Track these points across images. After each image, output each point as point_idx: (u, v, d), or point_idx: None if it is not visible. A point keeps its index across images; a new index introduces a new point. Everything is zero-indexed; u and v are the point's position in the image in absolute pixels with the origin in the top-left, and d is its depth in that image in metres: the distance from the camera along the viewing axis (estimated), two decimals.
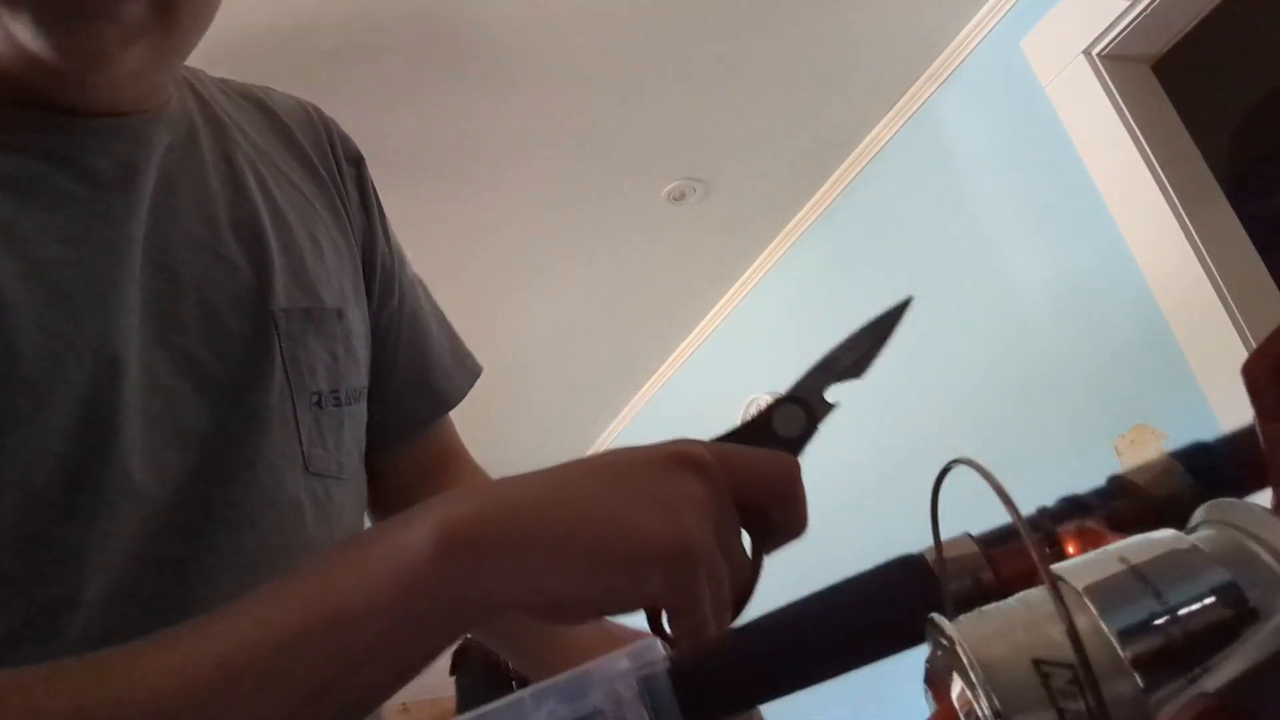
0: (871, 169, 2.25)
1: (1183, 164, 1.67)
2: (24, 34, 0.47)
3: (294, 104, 0.72)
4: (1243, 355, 1.49)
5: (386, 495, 0.70)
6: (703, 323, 2.84)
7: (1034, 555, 0.29)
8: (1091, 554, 0.32)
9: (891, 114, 2.15)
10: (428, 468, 0.74)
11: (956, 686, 0.29)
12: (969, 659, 0.28)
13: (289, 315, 0.58)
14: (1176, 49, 1.74)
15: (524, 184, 2.12)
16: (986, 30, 1.92)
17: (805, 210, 2.42)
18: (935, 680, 0.32)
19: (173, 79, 0.60)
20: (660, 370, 3.05)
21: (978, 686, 0.28)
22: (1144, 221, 1.64)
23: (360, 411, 0.64)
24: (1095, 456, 1.69)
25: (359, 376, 0.64)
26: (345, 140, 0.73)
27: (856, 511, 2.29)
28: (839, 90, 2.04)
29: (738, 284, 2.68)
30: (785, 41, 1.87)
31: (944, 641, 0.30)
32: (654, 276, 2.58)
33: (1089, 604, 0.29)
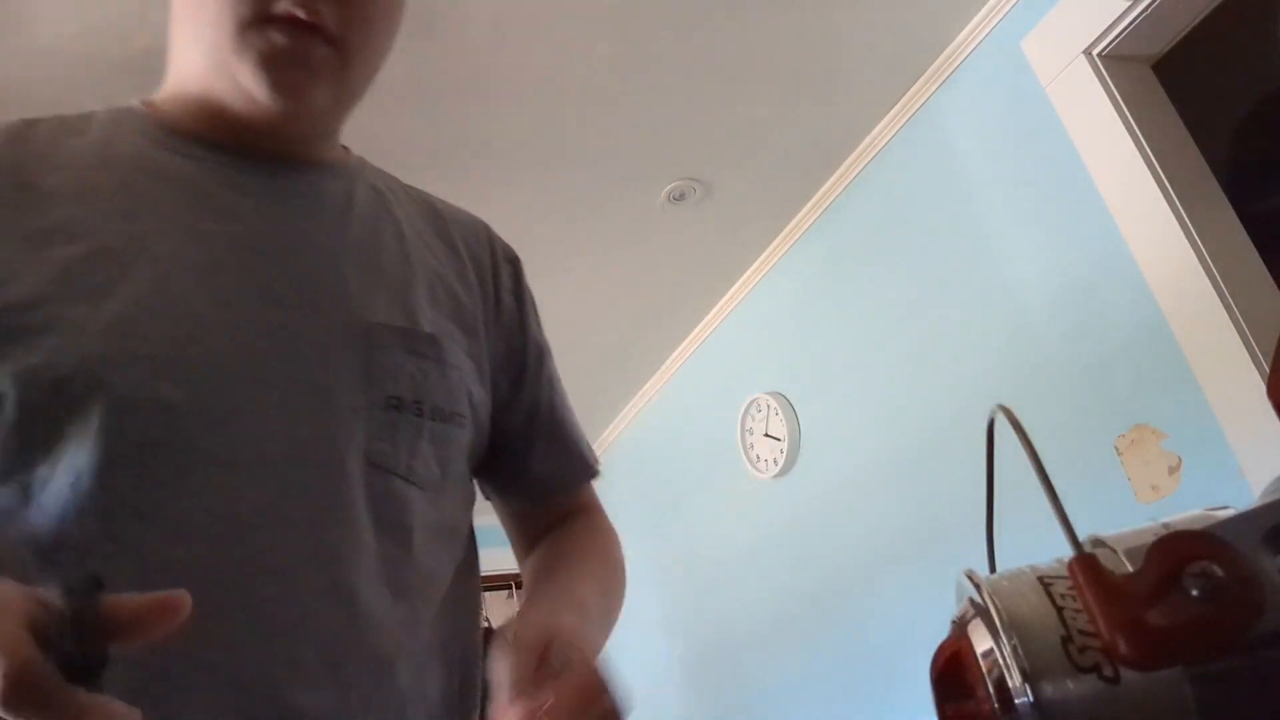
0: (871, 169, 2.25)
1: (1183, 164, 1.67)
2: (246, 77, 0.67)
3: (463, 213, 0.89)
4: (1243, 355, 1.49)
5: (541, 526, 0.86)
6: (703, 323, 2.84)
7: (1050, 502, 0.29)
8: (1141, 526, 0.33)
9: (891, 114, 2.15)
10: (571, 512, 0.88)
11: (982, 643, 0.30)
12: (994, 606, 0.29)
13: (383, 328, 0.69)
14: (1176, 49, 1.73)
15: (524, 184, 2.12)
16: (986, 30, 1.92)
17: (805, 210, 2.42)
18: (960, 630, 0.33)
19: (340, 137, 0.80)
20: (660, 370, 3.06)
21: (1000, 631, 0.28)
22: (1144, 221, 1.64)
23: (449, 432, 0.71)
24: (1095, 456, 1.69)
25: (450, 401, 0.72)
26: (504, 245, 0.90)
27: (857, 511, 2.30)
28: (839, 90, 2.05)
29: (738, 284, 2.68)
30: (786, 42, 1.87)
31: (975, 595, 0.31)
32: (654, 276, 2.58)
33: (1126, 564, 0.29)
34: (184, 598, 0.40)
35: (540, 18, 1.70)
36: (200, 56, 0.70)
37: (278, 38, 0.66)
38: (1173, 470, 1.57)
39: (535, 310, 0.90)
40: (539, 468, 0.84)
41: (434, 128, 1.90)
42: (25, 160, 0.65)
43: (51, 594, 0.39)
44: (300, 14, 0.66)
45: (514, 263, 0.89)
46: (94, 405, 0.57)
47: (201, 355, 0.61)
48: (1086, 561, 0.26)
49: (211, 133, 0.71)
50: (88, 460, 0.57)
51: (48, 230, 0.62)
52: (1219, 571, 0.25)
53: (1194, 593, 0.25)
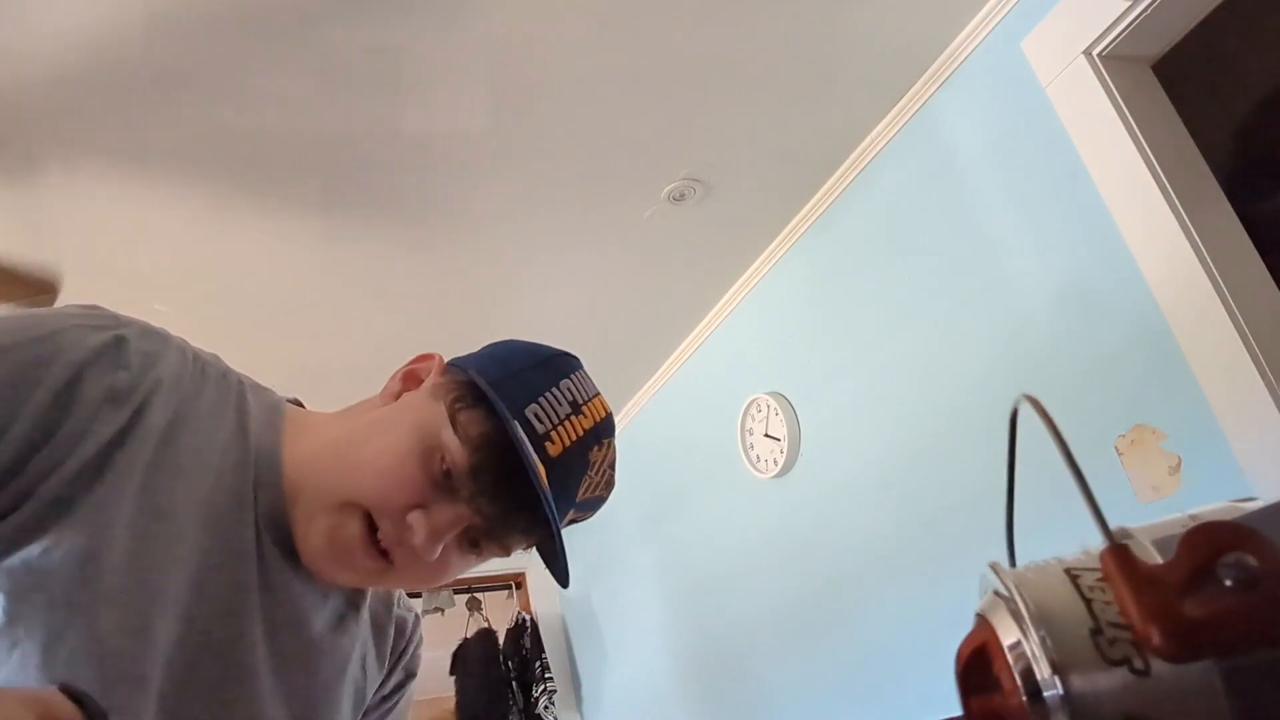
0: (872, 169, 2.25)
1: (1183, 164, 1.67)
2: (310, 538, 0.72)
3: (403, 620, 0.91)
4: (1243, 355, 1.49)
5: None
6: (703, 323, 2.84)
7: (1081, 493, 0.29)
8: (1169, 517, 0.33)
9: (891, 114, 2.15)
10: None
11: (1009, 635, 0.30)
12: (1021, 599, 0.29)
13: None
14: (1176, 49, 1.74)
15: (525, 185, 2.12)
16: (986, 30, 1.92)
17: (805, 210, 2.42)
18: (985, 621, 0.32)
19: None
20: (660, 370, 3.05)
21: (1028, 623, 0.28)
22: (1144, 221, 1.64)
23: None
24: (1095, 456, 1.69)
25: None
26: (414, 654, 0.93)
27: (857, 511, 2.29)
28: (839, 90, 2.05)
29: (738, 284, 2.68)
30: (786, 42, 1.87)
31: (1001, 587, 0.31)
32: (654, 276, 2.58)
33: (1155, 554, 0.29)
34: None
35: (540, 19, 1.69)
36: (328, 477, 0.72)
37: (355, 532, 0.71)
38: (1173, 470, 1.57)
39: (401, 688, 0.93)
40: None
41: (434, 129, 1.90)
42: (179, 418, 0.68)
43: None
44: (384, 539, 0.71)
45: (408, 673, 0.93)
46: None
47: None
48: (1119, 552, 0.26)
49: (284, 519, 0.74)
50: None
51: (152, 497, 0.65)
52: (1253, 562, 0.25)
53: (1228, 583, 0.25)
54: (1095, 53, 1.72)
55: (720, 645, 2.83)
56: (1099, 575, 0.29)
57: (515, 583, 3.91)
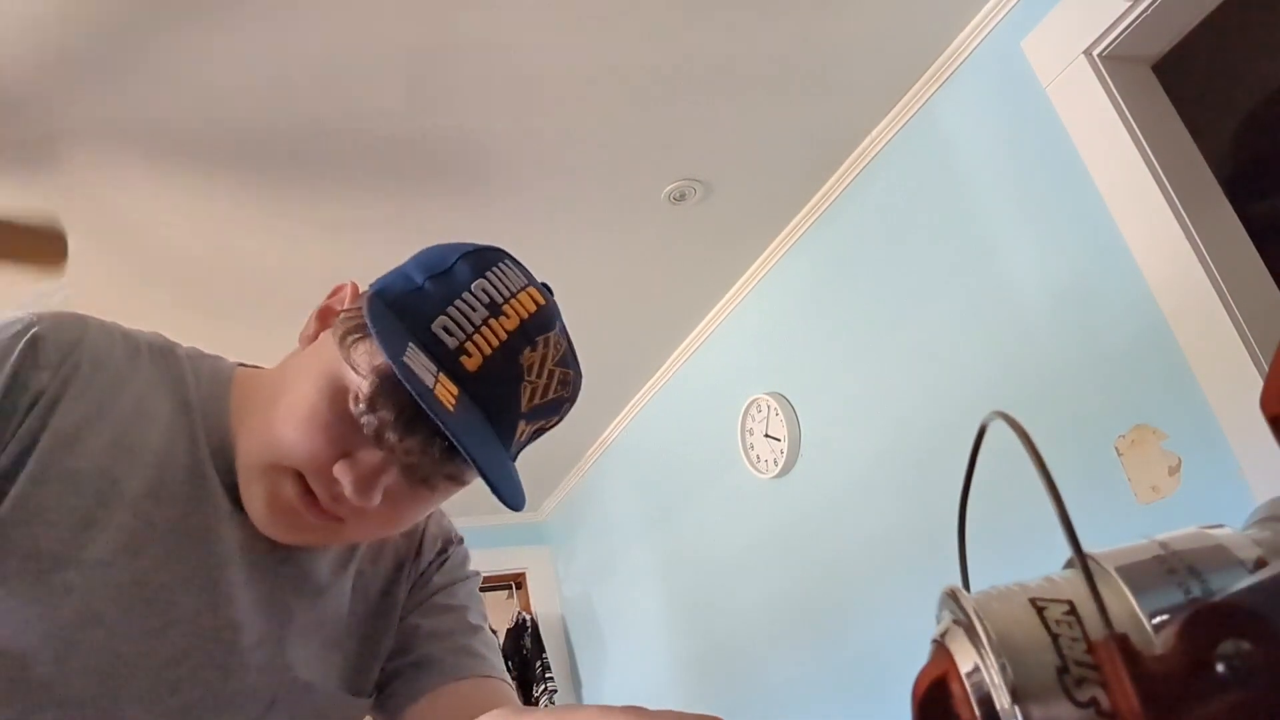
0: (872, 170, 2.25)
1: (1183, 164, 1.67)
2: (253, 502, 0.68)
3: (434, 537, 0.87)
4: (1243, 355, 1.49)
5: None
6: (703, 323, 2.84)
7: (1056, 510, 0.28)
8: (1135, 543, 0.32)
9: (891, 114, 2.15)
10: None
11: (967, 662, 0.29)
12: (982, 627, 0.28)
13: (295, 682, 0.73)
14: (1176, 49, 1.74)
15: (525, 185, 2.12)
16: (987, 30, 1.92)
17: (806, 210, 2.42)
18: (943, 646, 0.32)
19: None
20: (660, 370, 3.05)
21: (988, 652, 0.27)
22: (1144, 221, 1.64)
23: None
24: (1096, 456, 1.69)
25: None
26: (439, 530, 0.88)
27: (857, 511, 2.29)
28: (839, 91, 2.04)
29: (738, 284, 2.68)
30: (786, 42, 1.87)
31: (958, 611, 0.30)
32: (654, 276, 2.58)
33: (1120, 584, 0.28)
34: None
35: (541, 19, 1.70)
36: (254, 440, 0.69)
37: (291, 495, 0.67)
38: (1173, 470, 1.57)
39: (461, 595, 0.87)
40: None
41: (435, 129, 1.90)
42: (102, 408, 0.66)
43: None
44: (321, 500, 0.67)
45: (446, 543, 0.88)
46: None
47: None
48: (1120, 643, 0.25)
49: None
50: None
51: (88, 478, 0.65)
52: (1251, 649, 0.24)
53: (1222, 671, 0.24)
54: (1095, 53, 1.72)
55: (720, 644, 2.83)
56: (1065, 609, 0.28)
57: (515, 583, 3.90)
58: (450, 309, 0.65)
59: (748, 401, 2.63)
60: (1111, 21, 1.67)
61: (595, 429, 3.35)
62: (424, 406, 0.59)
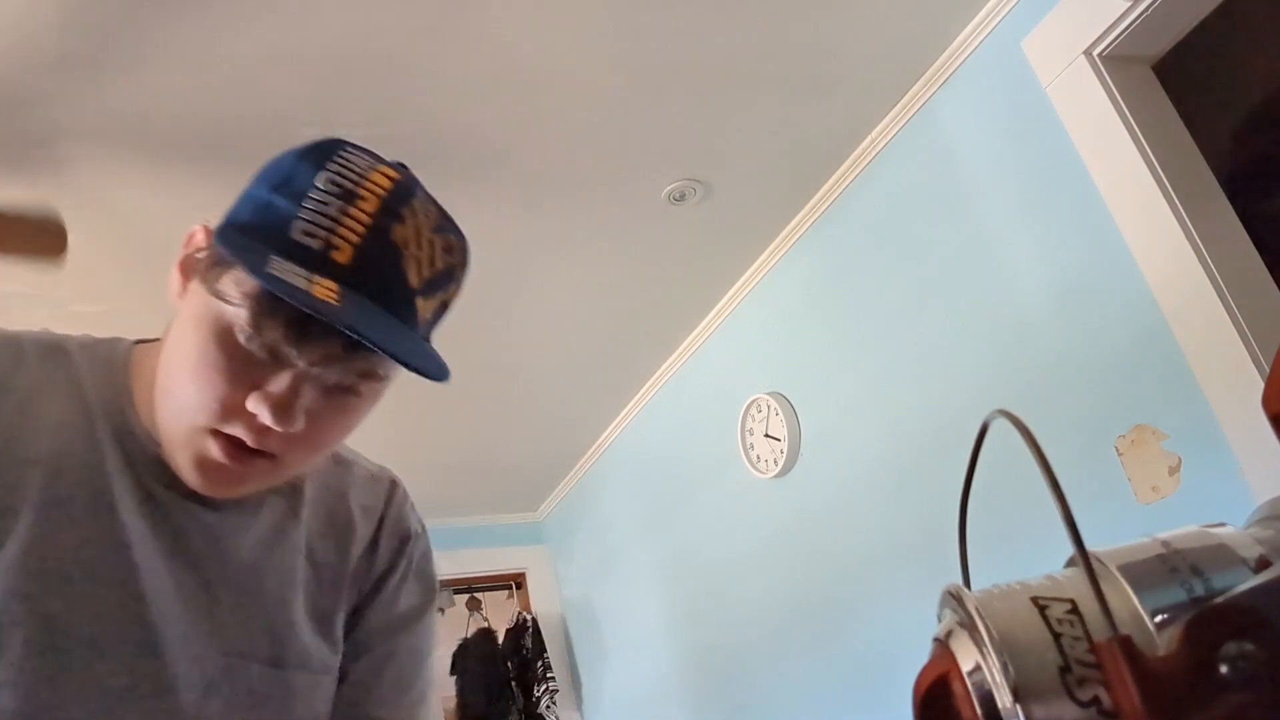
0: (872, 170, 2.25)
1: (1183, 164, 1.67)
2: (182, 468, 0.69)
3: (372, 502, 0.87)
4: (1243, 355, 1.49)
5: None
6: (703, 323, 2.84)
7: (1059, 508, 0.28)
8: (1137, 541, 0.31)
9: (891, 114, 2.15)
10: None
11: (969, 661, 0.29)
12: (984, 626, 0.28)
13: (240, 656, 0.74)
14: (1176, 49, 1.74)
15: (525, 185, 2.12)
16: (987, 30, 1.92)
17: (806, 211, 2.42)
18: (944, 644, 0.31)
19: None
20: (660, 370, 3.05)
21: (990, 650, 0.27)
22: (1144, 221, 1.64)
23: None
24: (1096, 456, 1.69)
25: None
26: (400, 518, 0.88)
27: (857, 511, 2.29)
28: (839, 91, 2.04)
29: (738, 284, 2.68)
30: (786, 42, 1.87)
31: (960, 610, 0.30)
32: (654, 276, 2.58)
33: (1123, 582, 0.28)
34: None
35: (541, 19, 1.70)
36: (162, 411, 0.69)
37: (217, 453, 0.66)
38: (1173, 470, 1.57)
39: (403, 583, 0.88)
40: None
41: (435, 127, 1.90)
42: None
43: None
44: (248, 440, 0.66)
45: (404, 540, 0.88)
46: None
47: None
48: (1123, 644, 0.25)
49: (156, 455, 0.72)
50: None
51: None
52: (1254, 650, 0.24)
53: (1225, 672, 0.24)
54: (1095, 53, 1.72)
55: (720, 644, 2.83)
56: (1068, 608, 0.28)
57: (515, 583, 3.90)
58: (303, 211, 0.64)
59: (748, 401, 2.63)
60: (1111, 21, 1.67)
61: (595, 429, 3.35)
62: (305, 308, 0.58)
